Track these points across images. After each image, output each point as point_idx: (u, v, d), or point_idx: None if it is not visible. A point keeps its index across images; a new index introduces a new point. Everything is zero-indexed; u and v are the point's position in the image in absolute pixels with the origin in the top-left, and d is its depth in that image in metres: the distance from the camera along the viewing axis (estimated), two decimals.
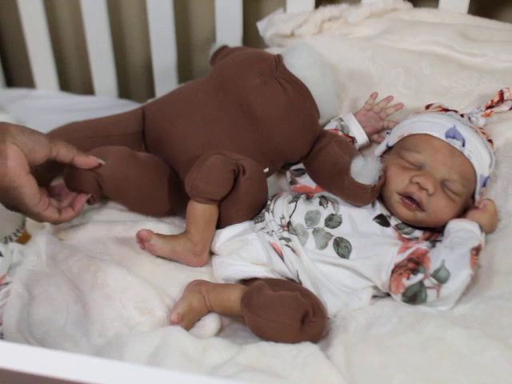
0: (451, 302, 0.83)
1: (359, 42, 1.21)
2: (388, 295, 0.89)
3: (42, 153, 0.86)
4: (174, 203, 1.02)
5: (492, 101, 1.04)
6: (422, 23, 1.22)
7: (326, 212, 0.95)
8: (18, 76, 1.77)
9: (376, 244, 0.90)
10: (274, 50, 1.22)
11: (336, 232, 0.92)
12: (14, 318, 0.86)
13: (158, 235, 0.93)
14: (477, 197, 0.96)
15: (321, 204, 0.97)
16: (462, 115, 1.02)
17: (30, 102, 1.58)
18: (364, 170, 0.92)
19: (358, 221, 0.94)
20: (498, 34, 1.18)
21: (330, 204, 0.96)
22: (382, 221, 0.95)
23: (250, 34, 1.48)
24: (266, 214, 0.97)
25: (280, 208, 0.97)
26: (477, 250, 0.84)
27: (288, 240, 0.92)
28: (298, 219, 0.95)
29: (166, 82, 1.54)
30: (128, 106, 1.36)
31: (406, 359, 0.73)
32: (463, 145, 0.94)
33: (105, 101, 1.60)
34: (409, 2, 1.28)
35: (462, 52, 1.16)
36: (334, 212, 0.95)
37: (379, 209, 0.96)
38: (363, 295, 0.88)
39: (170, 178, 1.02)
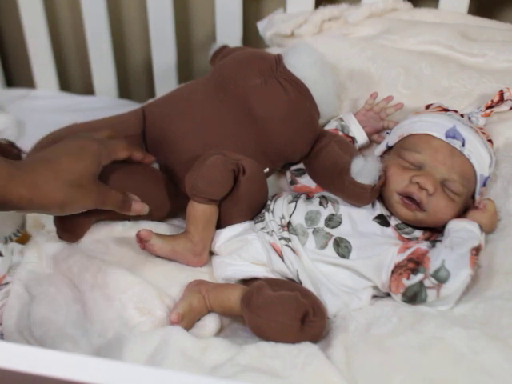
0: (451, 302, 0.82)
1: (359, 41, 1.21)
2: (388, 295, 0.89)
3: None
4: (171, 206, 1.01)
5: (492, 101, 1.04)
6: (422, 23, 1.22)
7: (326, 212, 0.95)
8: (18, 76, 1.77)
9: (376, 244, 0.90)
10: (274, 50, 1.22)
11: (336, 232, 0.92)
12: (14, 317, 0.86)
13: (158, 235, 0.93)
14: (477, 197, 0.96)
15: (321, 204, 0.97)
16: (462, 115, 1.02)
17: (30, 102, 1.58)
18: (364, 170, 0.92)
19: (358, 221, 0.94)
20: (498, 33, 1.18)
21: (330, 204, 0.96)
22: (382, 221, 0.95)
23: (250, 34, 1.48)
24: (266, 213, 0.97)
25: (280, 208, 0.96)
26: (477, 250, 0.84)
27: (288, 240, 0.92)
28: (298, 219, 0.95)
29: (165, 81, 1.54)
30: (128, 106, 1.35)
31: (406, 359, 0.73)
32: (463, 145, 0.94)
33: (105, 101, 1.60)
34: (409, 2, 1.28)
35: (462, 52, 1.16)
36: (334, 212, 0.95)
37: (379, 209, 0.96)
38: (363, 295, 0.88)
39: (159, 181, 1.01)
